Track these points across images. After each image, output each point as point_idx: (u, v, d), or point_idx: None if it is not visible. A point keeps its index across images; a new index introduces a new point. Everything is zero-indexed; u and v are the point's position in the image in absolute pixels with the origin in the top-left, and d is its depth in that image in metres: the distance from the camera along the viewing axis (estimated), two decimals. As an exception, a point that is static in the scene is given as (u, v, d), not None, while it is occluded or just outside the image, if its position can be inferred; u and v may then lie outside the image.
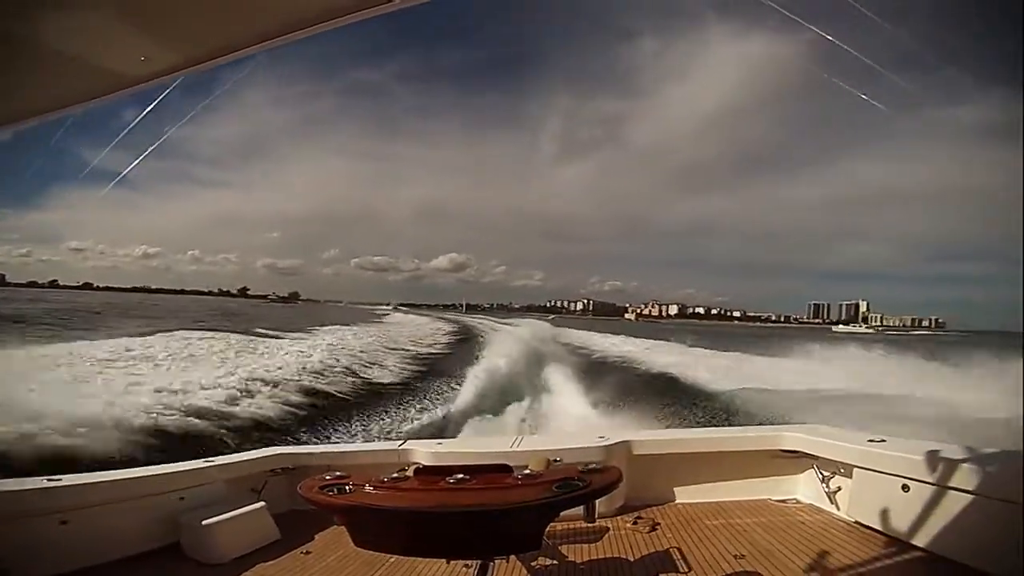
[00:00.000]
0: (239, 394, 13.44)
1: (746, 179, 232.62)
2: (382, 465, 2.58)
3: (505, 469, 2.15)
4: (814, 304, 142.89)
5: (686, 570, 3.11)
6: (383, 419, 13.70)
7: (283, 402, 13.75)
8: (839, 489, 3.81)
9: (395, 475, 2.18)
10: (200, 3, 1.78)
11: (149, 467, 4.21)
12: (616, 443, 4.13)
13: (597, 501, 2.11)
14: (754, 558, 3.17)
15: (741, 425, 12.16)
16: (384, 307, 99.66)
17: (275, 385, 14.75)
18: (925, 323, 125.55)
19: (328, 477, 2.18)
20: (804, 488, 4.11)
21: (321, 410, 13.96)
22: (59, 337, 21.60)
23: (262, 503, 3.94)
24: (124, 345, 18.59)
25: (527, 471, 2.13)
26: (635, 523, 3.83)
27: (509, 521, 1.93)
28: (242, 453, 5.07)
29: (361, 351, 22.64)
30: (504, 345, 24.47)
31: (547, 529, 2.01)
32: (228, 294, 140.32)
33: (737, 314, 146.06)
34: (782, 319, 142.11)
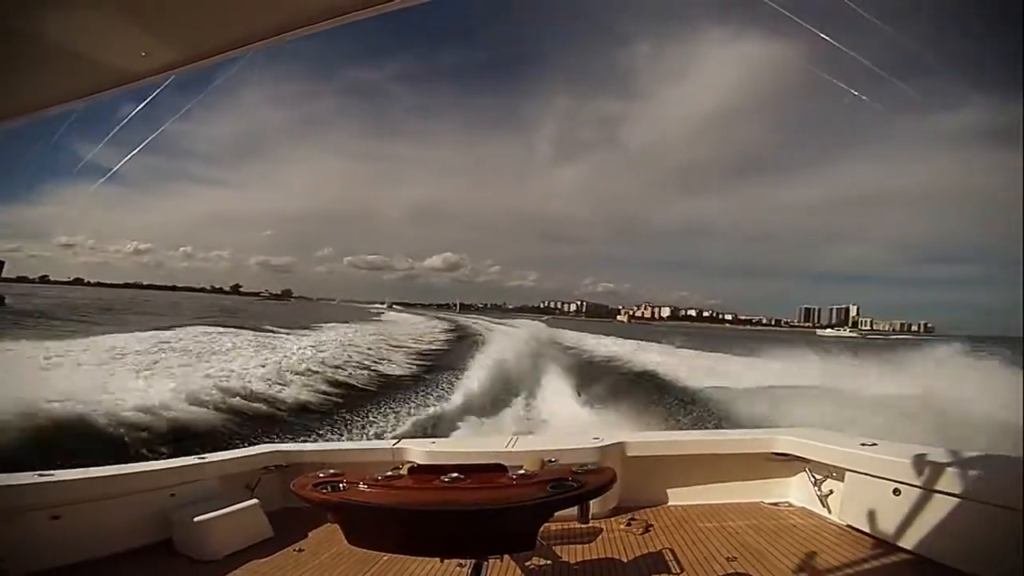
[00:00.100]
0: (278, 382, 14.94)
1: (741, 181, 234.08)
2: (376, 463, 2.57)
3: (500, 469, 2.15)
4: (805, 308, 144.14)
5: (678, 571, 3.13)
6: (408, 405, 14.82)
7: (314, 391, 15.09)
8: (831, 492, 3.84)
9: (389, 473, 2.17)
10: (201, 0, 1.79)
11: (141, 463, 4.20)
12: (610, 444, 4.15)
13: (591, 502, 2.11)
14: (746, 560, 3.19)
15: (699, 415, 14.09)
16: (379, 306, 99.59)
17: (306, 375, 16.18)
18: (914, 327, 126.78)
19: (322, 475, 2.17)
20: (796, 491, 4.13)
21: (348, 399, 15.07)
22: (85, 331, 22.09)
23: (255, 500, 3.93)
24: (157, 337, 19.54)
25: (522, 471, 2.13)
26: (628, 524, 3.84)
27: (503, 521, 1.93)
28: (235, 450, 5.06)
29: (368, 348, 23.47)
30: (505, 344, 24.89)
31: (541, 529, 2.01)
32: (221, 291, 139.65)
33: (729, 317, 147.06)
34: (773, 322, 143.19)
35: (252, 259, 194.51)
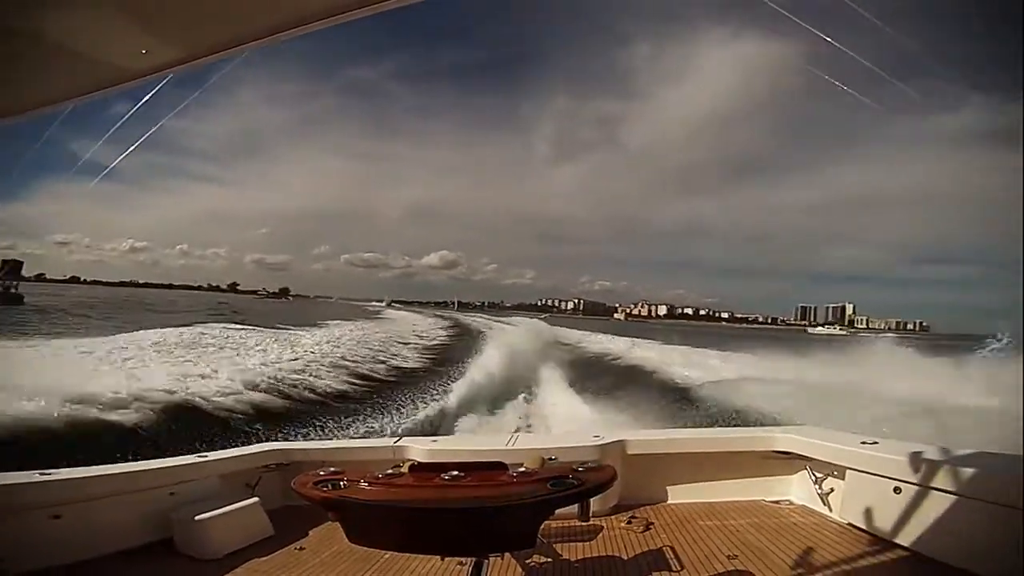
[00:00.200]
0: (312, 375, 16.07)
1: (741, 181, 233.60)
2: (377, 462, 2.58)
3: (500, 467, 2.15)
4: (801, 306, 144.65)
5: (679, 569, 3.13)
6: (431, 392, 15.89)
7: (345, 381, 16.34)
8: (832, 490, 3.84)
9: (390, 471, 2.17)
10: None
11: (142, 462, 4.19)
12: (611, 442, 4.15)
13: (591, 500, 2.12)
14: (747, 558, 3.19)
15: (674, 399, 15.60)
16: (377, 303, 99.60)
17: (330, 368, 17.33)
18: (910, 326, 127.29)
19: (322, 473, 2.17)
20: (797, 489, 4.14)
21: (376, 388, 16.36)
22: (113, 328, 22.64)
23: (255, 499, 3.93)
24: (187, 333, 20.19)
25: (522, 469, 2.13)
26: (629, 522, 3.85)
27: (504, 518, 1.94)
28: (236, 448, 5.06)
29: (379, 343, 24.56)
30: (508, 340, 25.73)
31: (541, 527, 2.01)
32: (217, 289, 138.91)
33: (725, 315, 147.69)
34: (769, 320, 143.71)
35: (248, 257, 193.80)
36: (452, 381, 17.01)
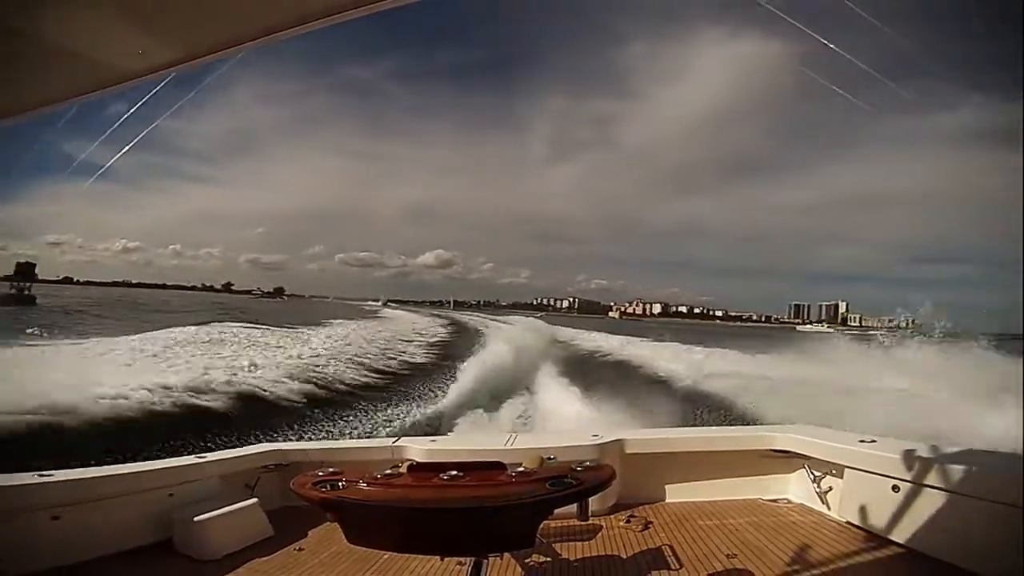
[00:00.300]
0: (334, 368, 17.54)
1: (736, 181, 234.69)
2: (375, 462, 2.58)
3: (499, 466, 2.15)
4: (795, 304, 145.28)
5: (677, 568, 3.14)
6: (443, 383, 17.08)
7: (364, 375, 17.75)
8: (830, 489, 3.84)
9: (388, 471, 2.17)
10: None
11: (141, 463, 4.18)
12: (609, 441, 4.15)
13: (590, 499, 2.12)
14: (745, 557, 3.20)
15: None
16: (374, 303, 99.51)
17: (350, 362, 18.83)
18: (901, 324, 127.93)
19: (321, 473, 2.17)
20: (795, 488, 4.14)
21: (395, 380, 17.98)
22: (125, 328, 23.52)
23: (255, 499, 3.93)
24: (197, 331, 21.18)
25: (521, 469, 2.13)
26: (628, 521, 3.85)
27: (503, 518, 1.94)
28: (235, 449, 5.05)
29: (386, 340, 25.97)
30: (508, 337, 26.25)
31: (540, 527, 2.02)
32: (212, 289, 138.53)
33: (719, 314, 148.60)
34: (762, 319, 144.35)
35: (242, 257, 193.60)
36: (457, 376, 17.52)
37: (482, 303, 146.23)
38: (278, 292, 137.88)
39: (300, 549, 3.62)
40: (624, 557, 3.36)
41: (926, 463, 3.13)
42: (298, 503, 2.12)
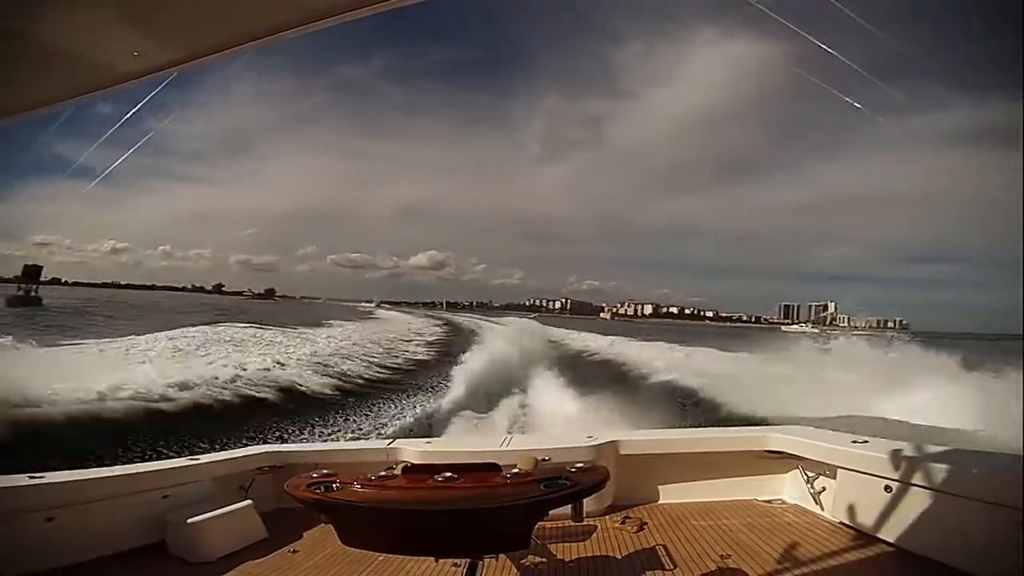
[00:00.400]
0: (347, 364, 18.67)
1: (728, 181, 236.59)
2: (370, 464, 2.58)
3: (493, 468, 2.15)
4: (784, 305, 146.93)
5: (672, 569, 3.15)
6: (447, 377, 17.97)
7: (375, 371, 18.96)
8: (824, 490, 3.86)
9: (383, 473, 2.18)
10: None
11: (135, 464, 4.16)
12: (604, 443, 4.15)
13: (585, 500, 2.12)
14: (739, 558, 3.21)
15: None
16: (367, 304, 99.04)
17: (359, 359, 19.98)
18: (890, 324, 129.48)
19: (315, 475, 2.17)
20: (789, 489, 4.16)
21: (405, 376, 19.25)
22: (134, 329, 23.97)
23: (249, 501, 3.91)
24: (199, 331, 21.80)
25: (515, 470, 2.14)
26: (623, 522, 3.86)
27: (497, 520, 1.94)
28: (229, 451, 5.03)
29: (387, 340, 27.07)
30: (503, 337, 27.02)
31: (535, 528, 2.03)
32: (202, 290, 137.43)
33: (710, 314, 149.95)
34: (751, 319, 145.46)
35: (233, 258, 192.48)
36: (457, 373, 18.18)
37: (475, 304, 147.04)
38: (269, 293, 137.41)
39: (294, 551, 3.62)
40: (619, 558, 3.37)
41: (919, 463, 3.16)
42: (292, 505, 2.11)
